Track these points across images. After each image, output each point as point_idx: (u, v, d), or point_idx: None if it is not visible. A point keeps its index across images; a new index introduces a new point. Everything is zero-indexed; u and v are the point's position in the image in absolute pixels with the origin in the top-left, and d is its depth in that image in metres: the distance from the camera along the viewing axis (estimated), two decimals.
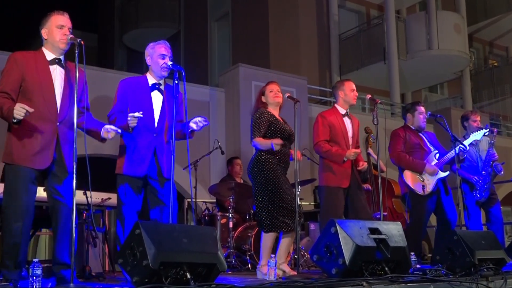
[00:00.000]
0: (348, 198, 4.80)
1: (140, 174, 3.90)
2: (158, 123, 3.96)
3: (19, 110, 3.29)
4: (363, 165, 4.83)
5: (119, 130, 3.69)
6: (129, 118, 3.73)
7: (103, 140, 3.75)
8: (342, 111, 4.96)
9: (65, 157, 3.54)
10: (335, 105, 5.04)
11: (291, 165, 4.58)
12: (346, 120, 4.95)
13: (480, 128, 5.87)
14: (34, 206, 3.58)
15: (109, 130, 3.66)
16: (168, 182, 3.86)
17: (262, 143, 4.42)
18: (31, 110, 3.32)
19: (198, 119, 3.93)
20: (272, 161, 4.42)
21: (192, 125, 3.94)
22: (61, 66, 3.62)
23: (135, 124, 3.77)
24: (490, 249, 4.22)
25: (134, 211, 3.90)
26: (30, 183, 3.47)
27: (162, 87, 4.04)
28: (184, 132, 3.93)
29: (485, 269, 3.87)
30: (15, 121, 3.34)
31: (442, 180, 5.35)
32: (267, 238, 4.41)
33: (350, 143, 4.89)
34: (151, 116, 3.95)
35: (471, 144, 5.57)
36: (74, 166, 3.16)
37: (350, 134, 4.92)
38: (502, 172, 5.92)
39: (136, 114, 3.74)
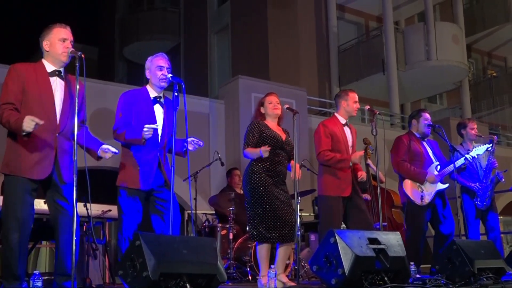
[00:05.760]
0: (349, 207, 4.79)
1: (145, 188, 3.87)
2: (161, 137, 3.95)
3: (29, 123, 3.26)
4: (361, 175, 4.82)
5: (116, 150, 3.67)
6: (145, 130, 3.72)
7: (99, 158, 3.73)
8: (343, 120, 4.97)
9: (62, 169, 3.52)
10: (336, 114, 5.05)
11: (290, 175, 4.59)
12: (346, 130, 4.96)
13: (479, 137, 5.89)
14: (35, 219, 3.56)
15: (106, 151, 3.65)
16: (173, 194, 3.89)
17: (251, 151, 4.50)
18: (41, 122, 3.30)
19: (193, 139, 3.95)
20: (261, 172, 4.47)
21: (189, 146, 3.96)
22: (61, 78, 3.63)
23: (151, 135, 3.77)
24: (489, 259, 4.23)
25: (135, 223, 3.89)
26: (27, 194, 3.44)
27: (162, 100, 4.04)
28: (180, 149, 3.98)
29: (484, 279, 3.88)
30: (24, 133, 3.33)
31: (440, 193, 5.34)
32: (259, 249, 4.44)
33: (351, 152, 4.90)
34: (155, 130, 3.89)
35: (469, 153, 5.55)
36: (75, 178, 3.17)
37: (350, 143, 4.93)
38: (503, 180, 5.90)
39: (153, 125, 3.75)
